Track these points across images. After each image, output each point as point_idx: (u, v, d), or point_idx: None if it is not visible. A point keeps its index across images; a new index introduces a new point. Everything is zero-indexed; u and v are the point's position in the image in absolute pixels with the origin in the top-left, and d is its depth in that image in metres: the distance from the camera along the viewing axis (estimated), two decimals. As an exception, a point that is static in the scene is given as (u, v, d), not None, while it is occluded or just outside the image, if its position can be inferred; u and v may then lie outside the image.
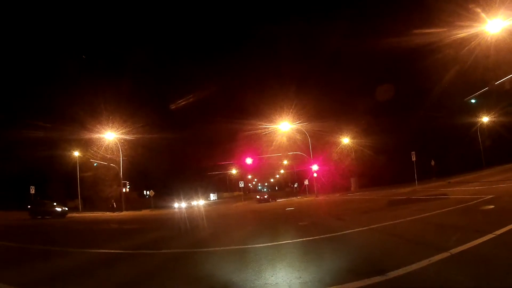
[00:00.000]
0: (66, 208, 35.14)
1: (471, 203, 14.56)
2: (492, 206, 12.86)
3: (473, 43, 24.56)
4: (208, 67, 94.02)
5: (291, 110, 47.83)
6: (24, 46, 59.62)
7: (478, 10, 21.65)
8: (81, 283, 6.85)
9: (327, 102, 54.26)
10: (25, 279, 7.18)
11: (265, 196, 53.30)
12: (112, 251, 10.66)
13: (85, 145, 49.46)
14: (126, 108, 48.31)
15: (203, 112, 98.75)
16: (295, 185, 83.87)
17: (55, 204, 34.74)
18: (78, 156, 51.02)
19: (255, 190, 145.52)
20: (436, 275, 5.61)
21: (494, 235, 7.71)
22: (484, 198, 15.44)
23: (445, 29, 25.69)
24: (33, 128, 44.87)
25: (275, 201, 48.85)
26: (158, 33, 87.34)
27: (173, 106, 53.98)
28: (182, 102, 53.81)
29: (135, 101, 60.85)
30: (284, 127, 49.61)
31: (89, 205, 50.09)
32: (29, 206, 33.94)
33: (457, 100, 43.46)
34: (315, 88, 60.78)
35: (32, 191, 42.68)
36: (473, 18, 22.38)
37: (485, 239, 7.43)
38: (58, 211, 33.49)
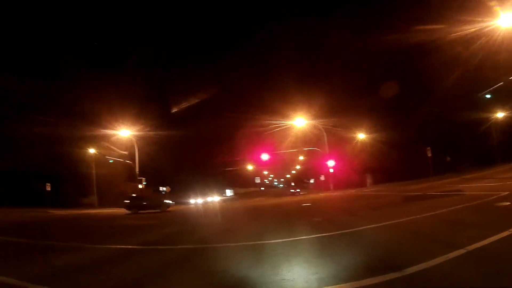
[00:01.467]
0: (170, 201, 34.96)
1: (487, 199, 14.47)
2: (508, 203, 12.75)
3: (487, 37, 24.40)
4: (223, 63, 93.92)
5: (306, 106, 47.85)
6: (36, 39, 59.94)
7: (492, 3, 21.46)
8: (96, 278, 6.94)
9: (342, 98, 53.68)
10: (41, 273, 7.31)
11: (297, 190, 67.13)
12: (129, 246, 10.82)
13: (100, 142, 49.77)
14: (141, 106, 48.72)
15: (219, 109, 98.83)
16: (311, 181, 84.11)
17: (156, 197, 34.71)
18: (94, 153, 51.45)
19: (271, 186, 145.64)
20: (452, 272, 5.63)
21: (509, 233, 7.66)
22: (500, 195, 15.31)
23: (459, 23, 25.47)
24: (46, 124, 45.31)
25: (300, 194, 58.82)
26: (173, 28, 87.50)
27: (188, 103, 53.94)
28: (197, 99, 53.89)
29: (150, 99, 60.97)
30: (299, 122, 49.58)
31: (105, 201, 50.40)
32: (127, 201, 33.90)
33: (472, 95, 43.20)
34: (330, 84, 60.28)
35: (48, 188, 43.24)
36: (487, 12, 22.23)
37: (501, 236, 7.40)
38: (167, 204, 33.30)
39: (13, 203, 38.34)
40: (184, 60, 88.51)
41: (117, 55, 76.49)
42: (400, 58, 50.53)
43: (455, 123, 46.80)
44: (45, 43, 60.92)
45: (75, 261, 8.63)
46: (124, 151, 48.54)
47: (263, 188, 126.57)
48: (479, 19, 22.78)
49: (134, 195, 37.35)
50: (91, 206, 48.20)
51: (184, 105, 52.23)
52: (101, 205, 49.46)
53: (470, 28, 24.13)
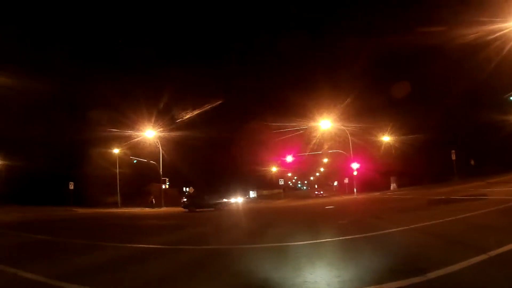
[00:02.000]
0: (227, 200, 35.19)
1: (511, 204, 14.30)
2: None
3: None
4: (249, 66, 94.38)
5: (332, 108, 47.82)
6: (63, 43, 61.19)
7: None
8: (118, 276, 7.07)
9: (367, 100, 53.44)
10: (61, 271, 7.45)
11: (321, 192, 75.66)
12: (151, 246, 10.93)
13: (124, 142, 50.46)
14: (165, 108, 49.23)
15: (242, 109, 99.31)
16: (335, 183, 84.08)
17: (213, 195, 35.20)
18: (118, 153, 52.11)
19: (295, 188, 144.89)
20: (475, 277, 5.61)
21: (535, 238, 7.54)
22: (525, 199, 15.10)
23: (487, 23, 25.13)
24: (70, 124, 46.19)
25: (323, 195, 63.36)
26: (200, 31, 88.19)
27: (213, 104, 54.13)
28: (222, 100, 54.10)
29: (174, 101, 61.58)
30: (324, 125, 49.47)
31: (128, 201, 50.97)
32: (184, 200, 34.44)
33: (497, 97, 42.50)
34: (355, 85, 59.93)
35: (71, 187, 43.93)
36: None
37: (525, 242, 7.29)
38: (224, 202, 33.70)
39: (40, 202, 39.23)
40: (207, 63, 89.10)
41: (140, 59, 77.47)
42: (424, 60, 50.17)
43: (480, 126, 46.07)
44: (74, 47, 62.15)
45: (101, 259, 8.83)
46: (149, 151, 49.10)
47: (287, 190, 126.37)
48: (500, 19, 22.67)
49: (191, 193, 37.58)
50: (114, 205, 48.83)
51: (208, 106, 52.50)
52: (124, 204, 50.10)
53: (496, 28, 23.90)
